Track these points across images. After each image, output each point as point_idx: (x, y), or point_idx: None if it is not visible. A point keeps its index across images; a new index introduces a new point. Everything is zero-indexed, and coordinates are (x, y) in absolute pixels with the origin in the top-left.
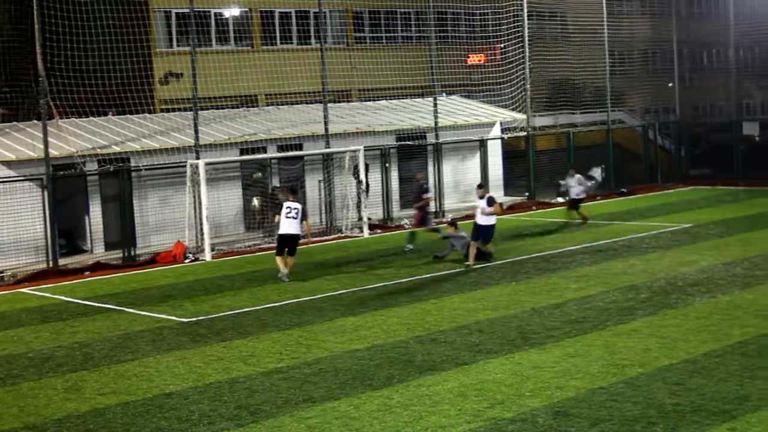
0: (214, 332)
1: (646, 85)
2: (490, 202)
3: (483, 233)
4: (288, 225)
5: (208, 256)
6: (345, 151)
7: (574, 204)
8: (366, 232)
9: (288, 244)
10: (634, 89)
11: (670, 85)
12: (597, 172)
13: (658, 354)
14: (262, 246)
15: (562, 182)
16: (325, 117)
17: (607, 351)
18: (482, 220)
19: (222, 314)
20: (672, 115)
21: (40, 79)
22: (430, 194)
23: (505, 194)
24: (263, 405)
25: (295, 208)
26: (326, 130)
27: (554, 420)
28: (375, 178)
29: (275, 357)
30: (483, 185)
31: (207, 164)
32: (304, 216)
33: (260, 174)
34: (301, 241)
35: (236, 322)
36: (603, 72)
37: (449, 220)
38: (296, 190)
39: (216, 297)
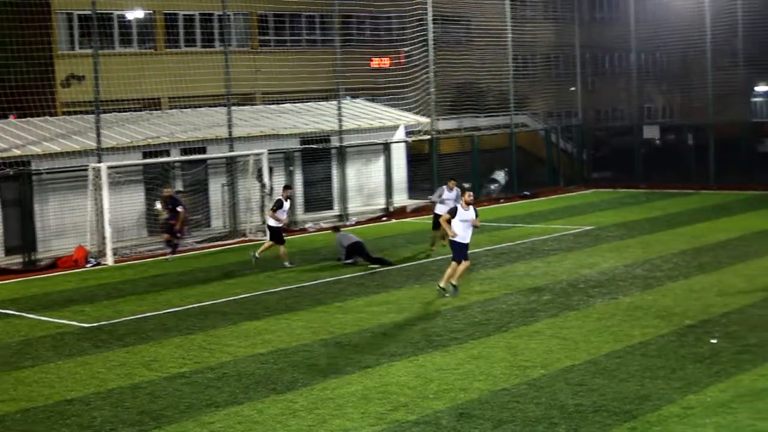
0: (116, 337)
1: (549, 89)
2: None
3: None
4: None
5: (110, 260)
6: (249, 155)
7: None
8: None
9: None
10: (537, 93)
11: (573, 89)
12: (500, 175)
13: (560, 355)
14: (164, 250)
15: (430, 197)
16: (229, 120)
17: (509, 353)
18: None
19: (124, 319)
20: (574, 119)
21: None
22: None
23: (409, 197)
24: (166, 410)
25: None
26: (230, 133)
27: (458, 422)
28: (279, 182)
29: (178, 362)
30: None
31: (109, 168)
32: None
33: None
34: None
35: (139, 327)
36: (507, 76)
37: (333, 225)
38: (289, 187)
39: (118, 302)
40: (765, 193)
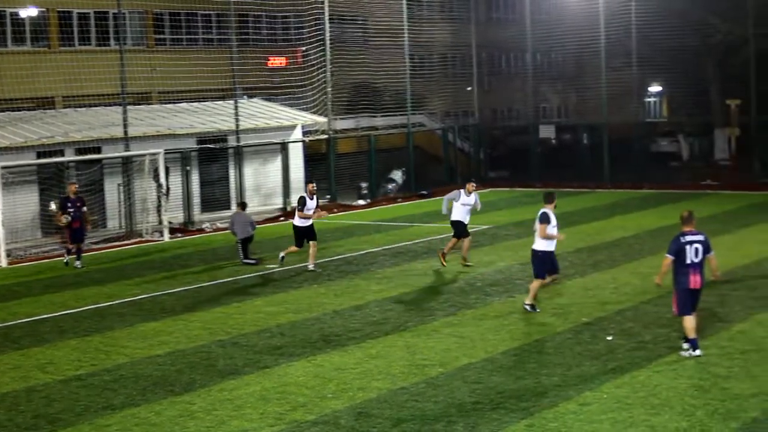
0: (10, 340)
1: (445, 89)
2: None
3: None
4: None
5: (3, 261)
6: (145, 155)
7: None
8: (167, 236)
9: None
10: (434, 93)
11: (469, 88)
12: (398, 175)
13: (457, 353)
14: (59, 252)
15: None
16: (125, 120)
17: (408, 351)
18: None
19: (19, 321)
20: (471, 118)
21: None
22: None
23: None
24: (62, 413)
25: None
26: (126, 132)
27: (356, 421)
28: (176, 182)
29: (74, 364)
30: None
31: (2, 168)
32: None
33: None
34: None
35: (33, 329)
36: (403, 75)
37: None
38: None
39: (12, 304)
40: (658, 192)
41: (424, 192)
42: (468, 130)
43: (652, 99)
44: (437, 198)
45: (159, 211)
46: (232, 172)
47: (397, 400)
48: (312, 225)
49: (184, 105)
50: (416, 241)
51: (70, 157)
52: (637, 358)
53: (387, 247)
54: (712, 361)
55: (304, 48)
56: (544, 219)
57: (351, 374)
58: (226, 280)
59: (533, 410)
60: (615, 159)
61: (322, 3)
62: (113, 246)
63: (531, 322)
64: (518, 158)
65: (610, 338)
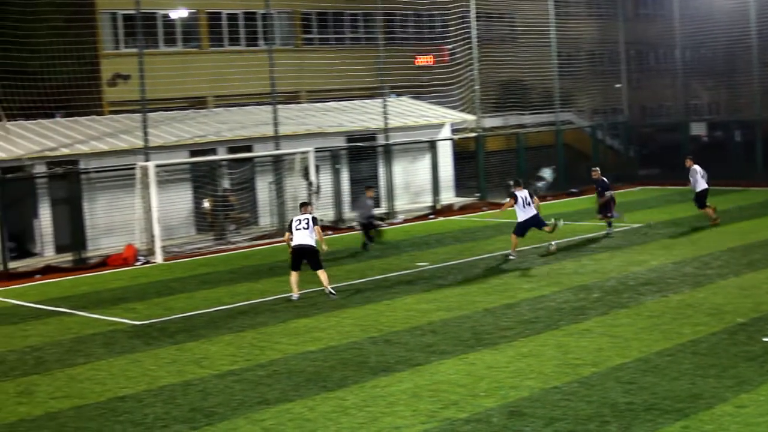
0: (167, 335)
1: (594, 86)
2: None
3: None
4: (300, 236)
5: (159, 258)
6: (295, 153)
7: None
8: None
9: (306, 256)
10: (582, 90)
11: (618, 86)
12: (547, 173)
13: (610, 353)
14: (213, 248)
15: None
16: (275, 119)
17: (560, 351)
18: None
19: (175, 317)
20: (620, 116)
21: None
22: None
23: (456, 195)
24: (217, 407)
25: (305, 219)
26: (276, 131)
27: (509, 420)
28: (325, 180)
29: (229, 359)
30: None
31: (157, 166)
32: (315, 223)
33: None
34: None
35: (189, 324)
36: (551, 73)
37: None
38: (307, 204)
39: (168, 299)
40: None
41: (574, 190)
42: (617, 127)
43: None
44: (587, 196)
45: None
46: (381, 171)
47: (549, 400)
48: (313, 247)
49: (332, 104)
50: (566, 239)
51: (222, 155)
52: None
53: (537, 245)
54: None
55: (450, 46)
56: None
57: (503, 373)
58: (376, 277)
59: (688, 411)
60: None
61: (468, 1)
62: (265, 243)
63: (685, 322)
64: (669, 156)
65: (766, 339)
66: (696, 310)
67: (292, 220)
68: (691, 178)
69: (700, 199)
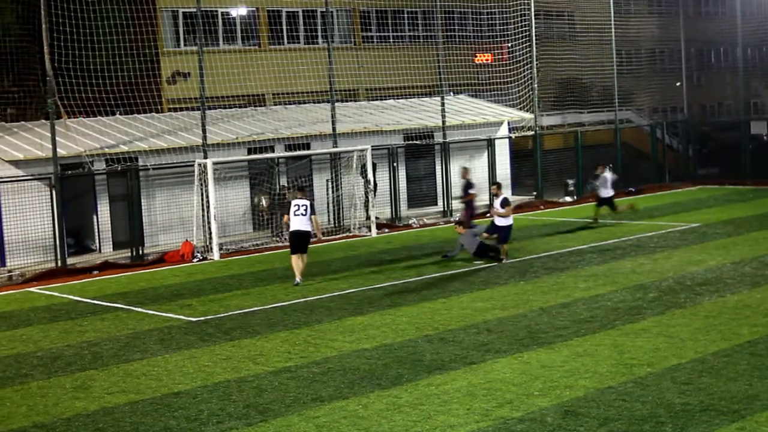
0: (222, 331)
1: (653, 84)
2: (504, 203)
3: (500, 233)
4: (297, 222)
5: (216, 255)
6: (353, 151)
7: (603, 202)
8: (374, 232)
9: (298, 241)
10: (641, 88)
11: (678, 84)
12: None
13: (666, 353)
14: (269, 245)
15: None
16: (333, 116)
17: (615, 350)
18: (499, 220)
19: (230, 313)
20: (680, 114)
21: (48, 78)
22: (474, 191)
23: (513, 193)
24: (272, 404)
25: (303, 205)
26: (334, 129)
27: (563, 419)
28: (383, 178)
29: (284, 356)
30: (498, 184)
31: (215, 163)
32: (312, 212)
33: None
34: (313, 240)
35: (244, 321)
36: (610, 71)
37: (456, 220)
38: (304, 188)
39: (224, 296)
40: None
41: (632, 189)
42: (677, 126)
43: None
44: (645, 195)
45: (366, 206)
46: (438, 169)
47: (604, 400)
48: (307, 233)
49: (390, 101)
50: (624, 238)
51: (279, 153)
52: None
53: (594, 244)
54: None
55: (509, 44)
56: (506, 203)
57: (558, 372)
58: (432, 275)
59: (745, 413)
60: None
61: None
62: (322, 240)
63: (743, 322)
64: (728, 155)
65: None
66: (754, 310)
67: (290, 203)
68: (599, 185)
69: (608, 202)
